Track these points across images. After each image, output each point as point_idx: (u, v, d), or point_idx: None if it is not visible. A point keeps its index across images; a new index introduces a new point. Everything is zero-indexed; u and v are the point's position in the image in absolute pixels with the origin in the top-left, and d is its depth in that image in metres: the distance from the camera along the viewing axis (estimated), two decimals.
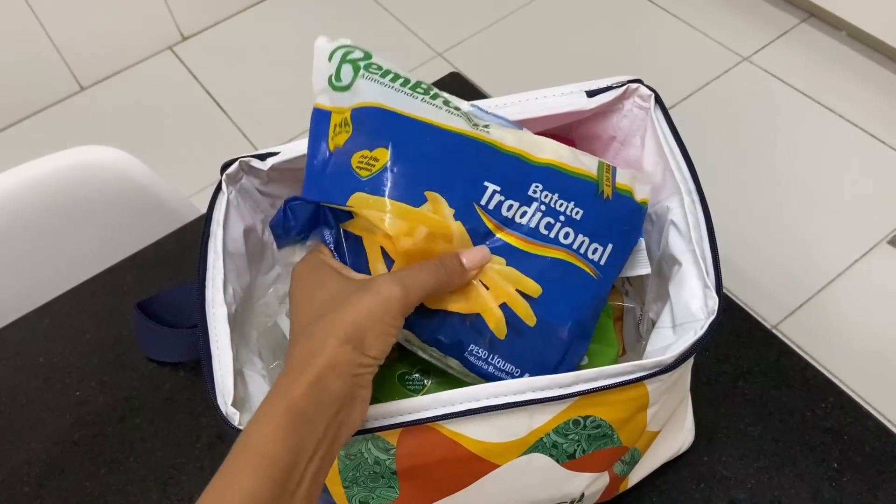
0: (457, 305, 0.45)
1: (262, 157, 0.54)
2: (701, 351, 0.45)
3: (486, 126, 0.48)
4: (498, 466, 0.46)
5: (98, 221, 0.86)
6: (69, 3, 1.83)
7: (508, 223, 0.46)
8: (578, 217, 0.47)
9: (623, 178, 0.50)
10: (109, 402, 0.69)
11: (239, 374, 0.48)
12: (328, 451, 0.39)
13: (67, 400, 0.69)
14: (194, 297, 0.50)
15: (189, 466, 0.64)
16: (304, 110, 0.56)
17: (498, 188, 0.46)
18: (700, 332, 0.45)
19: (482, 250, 0.45)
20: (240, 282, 0.53)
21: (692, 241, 0.49)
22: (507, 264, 0.46)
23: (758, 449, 0.60)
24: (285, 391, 0.38)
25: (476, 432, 0.45)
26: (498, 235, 0.46)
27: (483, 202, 0.45)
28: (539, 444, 0.46)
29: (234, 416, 0.44)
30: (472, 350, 0.46)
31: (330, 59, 0.48)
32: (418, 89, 0.48)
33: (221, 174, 0.54)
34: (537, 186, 0.46)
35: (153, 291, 0.70)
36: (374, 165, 0.44)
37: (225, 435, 0.65)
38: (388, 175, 0.44)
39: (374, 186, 0.44)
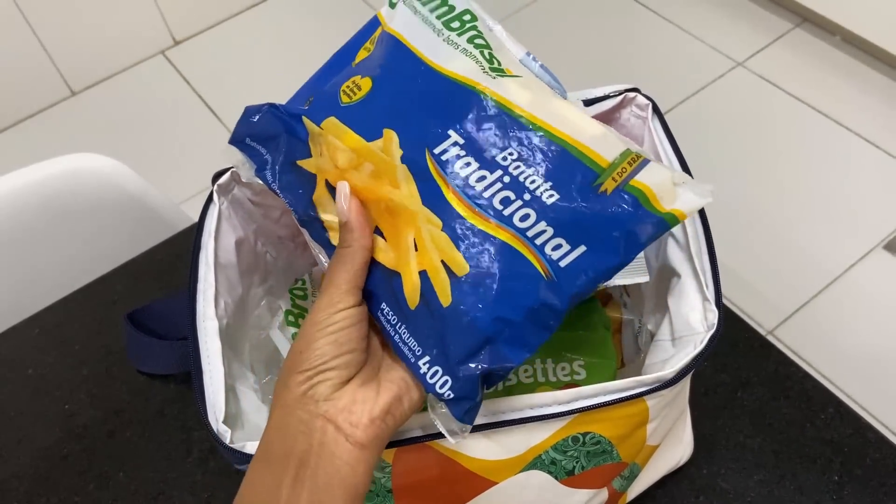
0: (385, 256, 0.41)
1: None
2: (700, 365, 0.44)
3: (500, 74, 0.42)
4: (495, 484, 0.45)
5: (88, 230, 0.85)
6: (60, 7, 1.82)
7: (458, 183, 0.39)
8: (550, 202, 0.39)
9: (648, 178, 0.40)
10: (99, 414, 0.68)
11: (231, 390, 0.47)
12: (314, 474, 0.37)
13: (56, 412, 0.68)
14: (185, 307, 0.49)
15: (180, 481, 0.63)
16: None
17: (461, 140, 0.40)
18: (700, 346, 0.44)
19: (339, 192, 0.41)
20: (231, 294, 0.52)
21: (691, 252, 0.48)
22: (443, 229, 0.39)
23: (757, 461, 0.59)
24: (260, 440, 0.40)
25: (473, 450, 0.44)
26: (442, 191, 0.39)
27: (437, 150, 0.40)
28: (537, 461, 0.45)
29: (226, 434, 0.43)
30: (383, 310, 0.41)
31: None
32: (453, 23, 0.44)
33: (213, 184, 0.53)
34: (511, 154, 0.40)
35: (144, 301, 0.69)
36: (355, 94, 0.43)
37: (217, 450, 0.64)
38: (361, 107, 0.42)
39: (346, 115, 0.42)
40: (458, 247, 0.39)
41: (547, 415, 0.43)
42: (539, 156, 0.40)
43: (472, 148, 0.40)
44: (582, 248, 0.39)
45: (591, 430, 0.44)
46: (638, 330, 0.56)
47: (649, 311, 0.54)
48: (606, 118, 0.56)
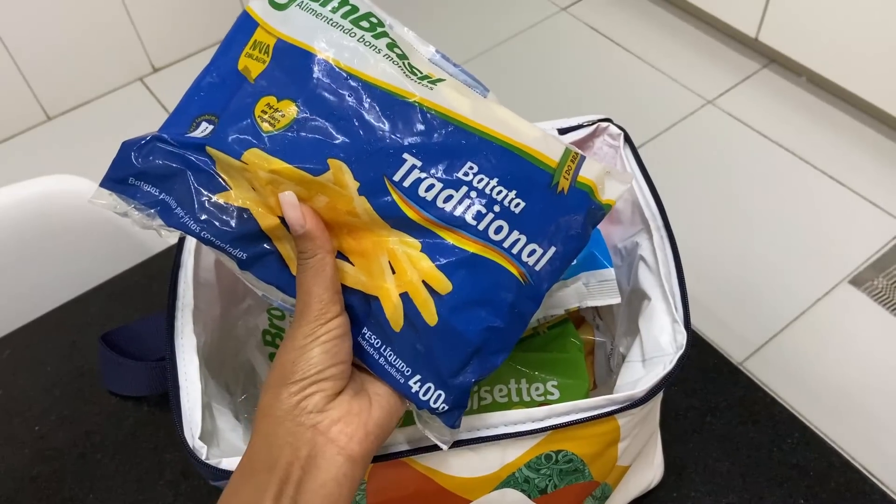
0: (358, 281, 0.40)
1: None
2: (669, 386, 0.46)
3: (431, 81, 0.40)
4: (470, 502, 0.46)
5: (63, 251, 0.84)
6: (38, 32, 1.82)
7: (427, 206, 0.38)
8: (518, 210, 0.39)
9: (588, 172, 0.42)
10: (70, 436, 0.67)
11: (207, 408, 0.47)
12: (297, 491, 0.37)
13: (26, 434, 0.67)
14: (161, 329, 0.49)
15: None
16: None
17: (419, 163, 0.38)
18: (669, 367, 0.45)
19: (285, 202, 0.38)
20: (210, 313, 0.53)
21: (661, 276, 0.49)
22: (422, 250, 0.39)
23: (726, 485, 0.60)
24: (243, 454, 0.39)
25: (449, 467, 0.44)
26: (409, 216, 0.39)
27: (397, 178, 0.38)
28: (511, 479, 0.45)
29: (202, 450, 0.43)
30: (365, 335, 0.41)
31: None
32: (362, 22, 0.40)
33: None
34: (472, 167, 0.39)
35: (118, 323, 0.69)
36: (278, 121, 0.38)
37: (190, 471, 0.63)
38: (292, 135, 0.38)
39: (274, 146, 0.38)
40: (438, 266, 0.39)
41: (521, 432, 0.43)
42: (497, 165, 0.39)
43: (432, 167, 0.39)
44: (553, 249, 0.40)
45: (564, 447, 0.45)
46: (610, 352, 0.57)
47: (621, 334, 0.55)
48: (580, 146, 0.57)
